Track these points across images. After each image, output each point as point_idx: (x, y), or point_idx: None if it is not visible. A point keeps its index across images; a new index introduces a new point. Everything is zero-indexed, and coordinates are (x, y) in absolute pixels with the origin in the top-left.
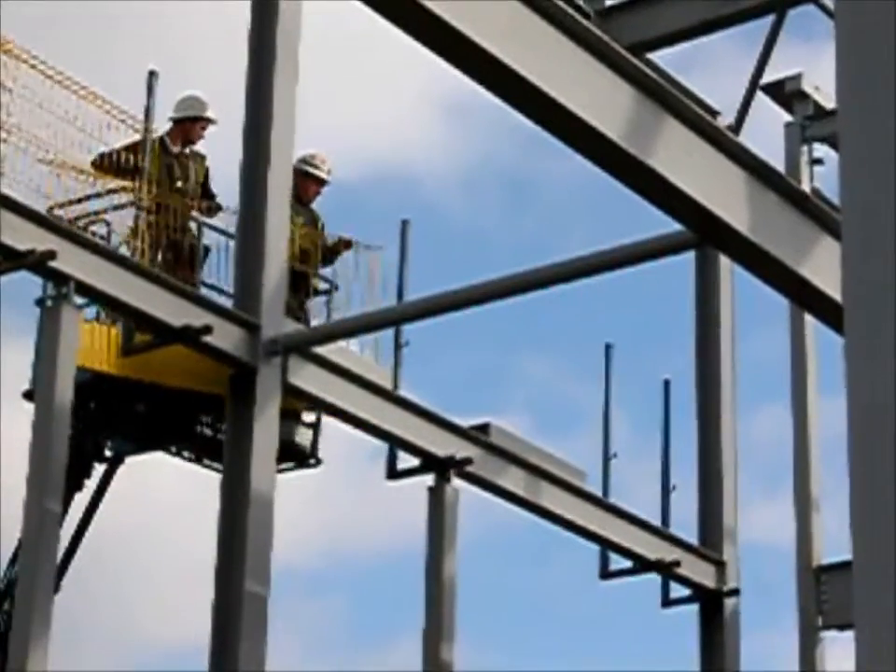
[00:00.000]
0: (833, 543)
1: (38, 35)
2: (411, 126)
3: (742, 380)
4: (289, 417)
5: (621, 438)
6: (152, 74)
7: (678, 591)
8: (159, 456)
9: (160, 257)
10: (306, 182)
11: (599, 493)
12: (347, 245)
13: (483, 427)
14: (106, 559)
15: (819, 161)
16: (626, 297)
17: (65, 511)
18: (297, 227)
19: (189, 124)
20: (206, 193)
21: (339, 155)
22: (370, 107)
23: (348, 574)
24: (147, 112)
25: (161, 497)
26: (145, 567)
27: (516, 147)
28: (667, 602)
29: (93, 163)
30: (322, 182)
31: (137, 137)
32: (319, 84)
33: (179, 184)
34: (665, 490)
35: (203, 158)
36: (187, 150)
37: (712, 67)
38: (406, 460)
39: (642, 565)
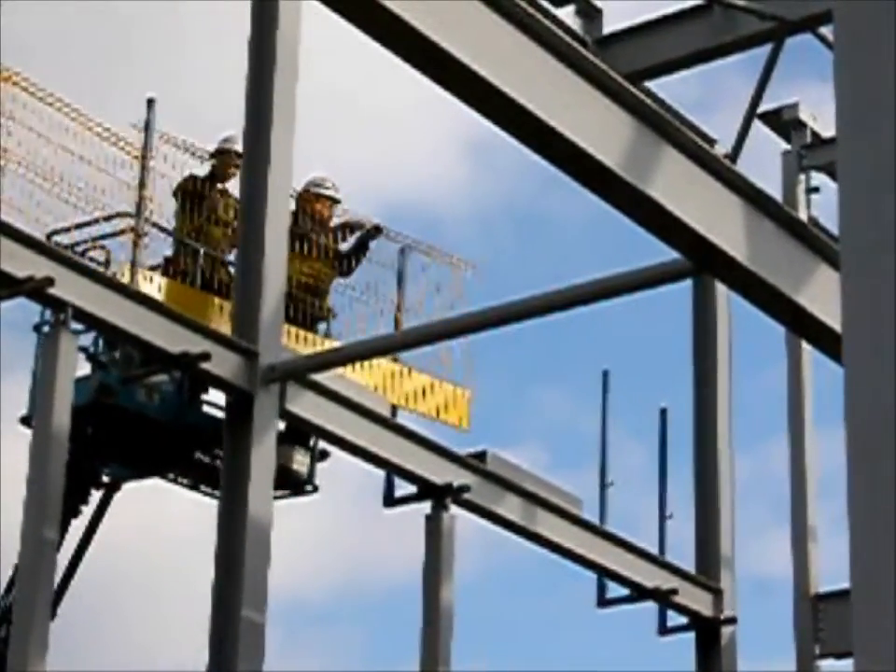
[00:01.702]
0: (831, 572)
1: (39, 58)
2: (433, 165)
3: (759, 411)
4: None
5: (638, 467)
6: (150, 102)
7: (675, 619)
8: (160, 482)
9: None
10: (319, 204)
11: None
12: (374, 232)
13: (481, 455)
14: (107, 584)
15: (816, 190)
16: (646, 326)
17: (62, 537)
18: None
19: (221, 160)
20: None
21: (361, 192)
22: (392, 146)
23: (362, 604)
24: (146, 140)
25: (164, 523)
26: (146, 592)
27: (537, 186)
28: (664, 630)
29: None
30: (334, 202)
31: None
32: (342, 123)
33: (220, 215)
34: (662, 518)
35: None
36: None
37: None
38: (403, 487)
39: (639, 593)
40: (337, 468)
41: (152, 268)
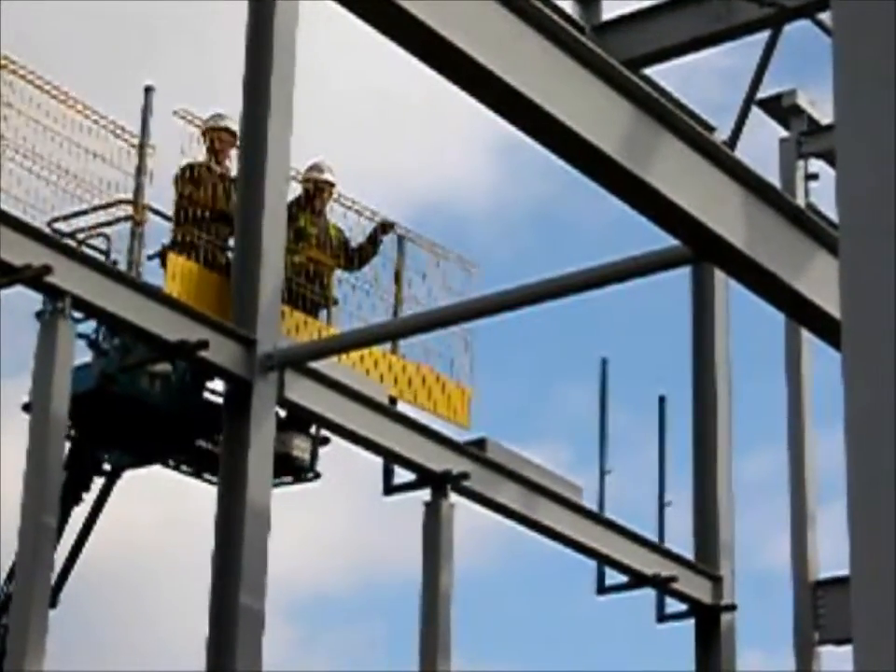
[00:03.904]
0: (830, 559)
1: (38, 49)
2: (460, 167)
3: (777, 405)
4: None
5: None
6: (148, 89)
7: (674, 606)
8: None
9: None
10: (317, 189)
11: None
12: (385, 228)
13: (480, 443)
14: (107, 573)
15: (814, 177)
16: (653, 315)
17: (64, 524)
18: (311, 236)
19: (214, 138)
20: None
21: (388, 193)
22: (419, 148)
23: (384, 597)
24: (144, 127)
25: (160, 510)
26: (145, 580)
27: (562, 188)
28: (663, 617)
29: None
30: (331, 185)
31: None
32: (370, 123)
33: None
34: (661, 505)
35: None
36: (220, 170)
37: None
38: (403, 475)
39: (638, 580)
40: (355, 462)
41: (150, 256)
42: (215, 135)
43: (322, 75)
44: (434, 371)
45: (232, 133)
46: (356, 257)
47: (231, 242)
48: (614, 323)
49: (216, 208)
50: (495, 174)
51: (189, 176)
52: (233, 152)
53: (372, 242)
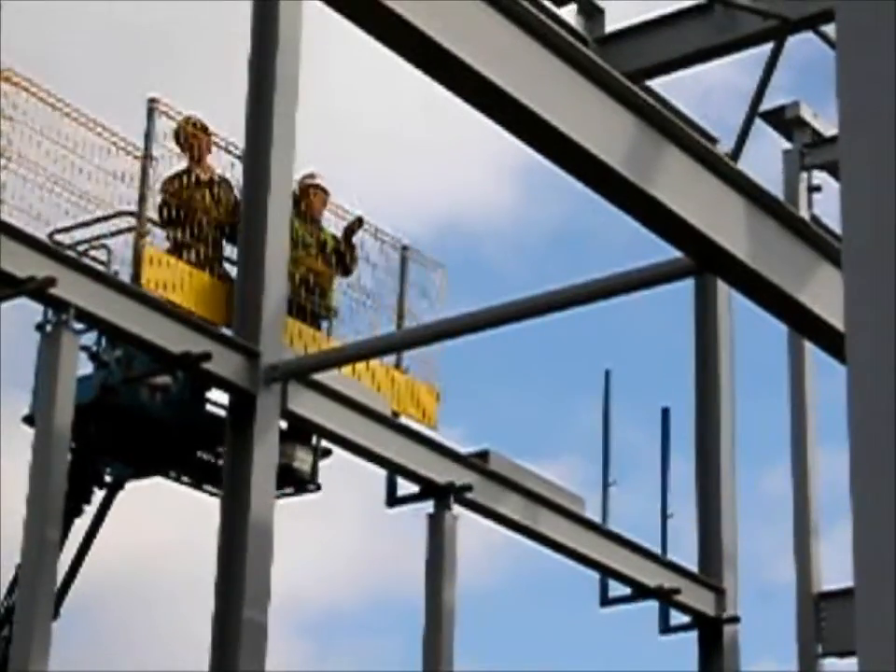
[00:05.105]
0: (833, 571)
1: (40, 60)
2: (478, 186)
3: (780, 417)
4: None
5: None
6: (152, 100)
7: (677, 618)
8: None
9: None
10: (312, 196)
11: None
12: (355, 225)
13: (483, 455)
14: (110, 585)
15: (817, 189)
16: (660, 326)
17: (65, 536)
18: (309, 246)
19: (191, 142)
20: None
21: (406, 213)
22: (438, 167)
23: (395, 611)
24: (147, 138)
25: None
26: (150, 592)
27: (580, 208)
28: (667, 629)
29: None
30: (326, 193)
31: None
32: (389, 144)
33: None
34: (664, 517)
35: (228, 184)
36: (204, 176)
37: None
38: (406, 487)
39: (642, 592)
40: (362, 474)
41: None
42: (192, 139)
43: (338, 93)
44: (393, 370)
45: (209, 133)
46: (341, 260)
47: (225, 247)
48: (626, 336)
49: (204, 215)
50: (513, 193)
51: (174, 188)
52: (213, 153)
53: (348, 240)
